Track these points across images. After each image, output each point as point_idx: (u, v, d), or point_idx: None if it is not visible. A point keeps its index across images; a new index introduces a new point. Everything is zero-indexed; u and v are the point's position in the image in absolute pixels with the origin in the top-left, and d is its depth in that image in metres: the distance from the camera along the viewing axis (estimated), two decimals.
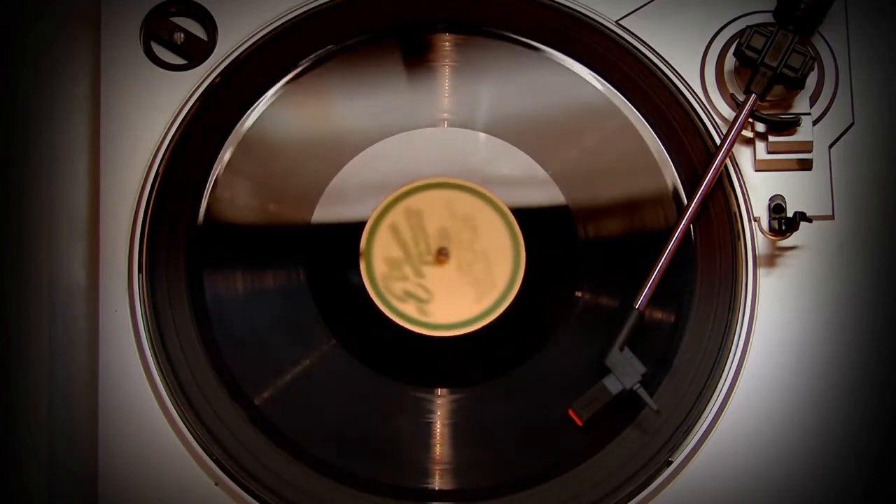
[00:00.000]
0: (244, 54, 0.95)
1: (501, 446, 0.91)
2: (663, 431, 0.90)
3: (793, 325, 0.91)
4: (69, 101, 0.96)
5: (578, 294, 0.92)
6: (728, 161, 0.92)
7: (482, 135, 0.95)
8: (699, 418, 0.90)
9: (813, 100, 0.93)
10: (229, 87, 0.95)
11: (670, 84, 0.95)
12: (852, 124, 0.94)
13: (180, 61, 0.96)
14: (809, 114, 0.92)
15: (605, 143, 0.94)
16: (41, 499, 0.92)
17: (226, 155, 0.94)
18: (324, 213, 0.94)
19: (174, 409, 0.90)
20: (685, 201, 0.92)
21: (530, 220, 0.93)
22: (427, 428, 0.91)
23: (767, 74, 0.90)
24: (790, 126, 0.92)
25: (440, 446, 0.91)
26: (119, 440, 0.90)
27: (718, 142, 0.92)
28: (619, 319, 0.89)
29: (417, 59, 0.96)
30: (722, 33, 0.95)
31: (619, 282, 0.92)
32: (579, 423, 0.89)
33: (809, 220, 0.90)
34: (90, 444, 0.91)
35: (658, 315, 0.91)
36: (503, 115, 0.95)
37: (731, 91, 0.94)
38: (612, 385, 0.88)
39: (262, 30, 0.95)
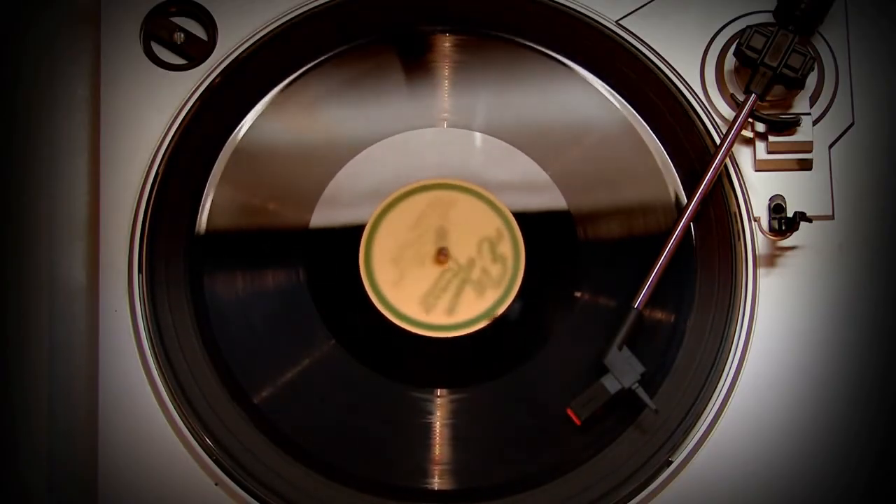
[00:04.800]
0: (244, 54, 0.95)
1: (501, 446, 0.91)
2: (663, 431, 0.90)
3: (793, 325, 0.91)
4: (69, 100, 0.96)
5: (578, 294, 0.92)
6: (728, 161, 0.92)
7: (482, 136, 0.95)
8: (699, 418, 0.90)
9: (813, 100, 0.93)
10: (229, 88, 0.95)
11: (670, 84, 0.95)
12: (852, 124, 0.93)
13: (180, 61, 0.96)
14: (809, 114, 0.92)
15: (604, 144, 0.94)
16: (41, 499, 0.92)
17: (226, 155, 0.94)
18: (323, 213, 0.94)
19: (174, 409, 0.90)
20: (685, 201, 0.92)
21: (530, 220, 0.93)
22: (427, 428, 0.91)
23: (767, 74, 0.90)
24: (790, 126, 0.92)
25: (440, 446, 0.91)
26: (119, 440, 0.90)
27: (718, 142, 0.92)
28: (619, 319, 0.89)
29: (417, 59, 0.96)
30: (722, 33, 0.95)
31: (618, 282, 0.92)
32: (577, 422, 0.89)
33: (809, 220, 0.90)
34: (90, 444, 0.91)
35: (658, 315, 0.91)
36: (503, 115, 0.95)
37: (731, 91, 0.94)
38: (611, 384, 0.88)
39: (262, 30, 0.95)
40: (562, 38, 0.96)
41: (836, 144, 0.93)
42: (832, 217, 0.92)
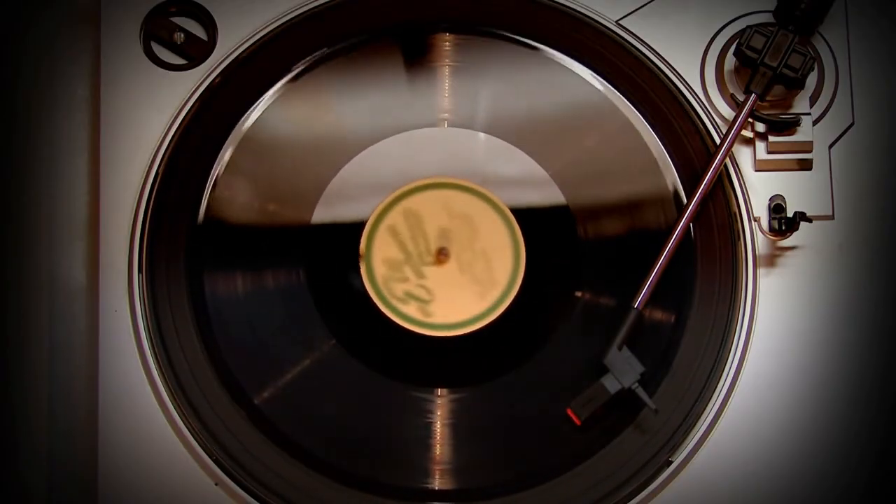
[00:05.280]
0: (244, 54, 0.95)
1: (501, 446, 0.91)
2: (663, 431, 0.90)
3: (793, 326, 0.91)
4: (69, 100, 0.97)
5: (578, 294, 0.92)
6: (728, 161, 0.92)
7: (482, 135, 0.95)
8: (699, 418, 0.90)
9: (813, 100, 0.93)
10: (229, 87, 0.95)
11: (670, 84, 0.95)
12: (852, 124, 0.94)
13: (180, 61, 0.96)
14: (809, 114, 0.92)
15: (605, 143, 0.94)
16: (41, 499, 0.92)
17: (226, 155, 0.94)
18: (324, 212, 0.94)
19: (174, 409, 0.90)
20: (685, 201, 0.92)
21: (530, 219, 0.93)
22: (427, 428, 0.91)
23: (767, 74, 0.90)
24: (790, 126, 0.92)
25: (440, 446, 0.91)
26: (119, 440, 0.90)
27: (718, 142, 0.92)
28: (619, 319, 0.89)
29: (417, 58, 0.96)
30: (722, 33, 0.95)
31: (618, 282, 0.92)
32: (577, 422, 0.89)
33: (809, 220, 0.90)
34: (90, 444, 0.91)
35: (658, 315, 0.91)
36: (503, 115, 0.95)
37: (731, 91, 0.94)
38: (611, 384, 0.88)
39: (262, 30, 0.95)
40: (562, 37, 0.96)
41: (836, 144, 0.93)
42: (832, 217, 0.92)
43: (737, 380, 0.90)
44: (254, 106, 0.95)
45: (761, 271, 0.92)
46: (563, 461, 0.90)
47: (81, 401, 0.93)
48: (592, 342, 0.90)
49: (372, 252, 0.93)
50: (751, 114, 0.91)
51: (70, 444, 0.93)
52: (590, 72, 0.95)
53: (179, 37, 0.96)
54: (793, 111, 0.93)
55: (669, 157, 0.94)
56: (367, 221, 0.93)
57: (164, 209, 0.93)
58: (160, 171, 0.93)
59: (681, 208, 0.92)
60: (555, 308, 0.92)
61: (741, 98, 0.92)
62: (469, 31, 0.96)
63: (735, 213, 0.92)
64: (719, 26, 0.95)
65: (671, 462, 0.89)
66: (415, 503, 0.90)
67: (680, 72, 0.95)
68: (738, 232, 0.92)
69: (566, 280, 0.93)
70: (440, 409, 0.91)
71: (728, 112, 0.94)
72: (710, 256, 0.92)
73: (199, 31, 0.96)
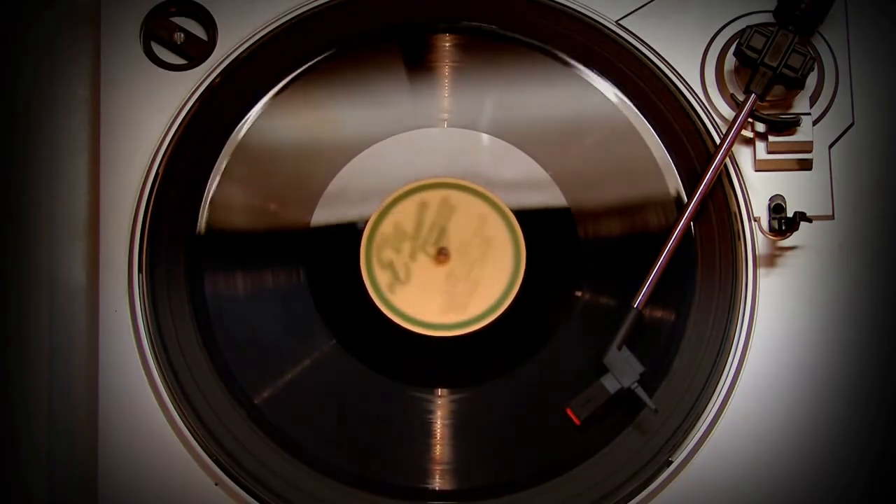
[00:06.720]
0: (244, 54, 0.95)
1: (501, 446, 0.91)
2: (663, 431, 0.90)
3: (793, 325, 0.91)
4: (69, 100, 0.97)
5: (578, 294, 0.92)
6: (728, 161, 0.92)
7: (483, 135, 0.95)
8: (699, 418, 0.90)
9: (813, 100, 0.93)
10: (229, 87, 0.95)
11: (670, 84, 0.95)
12: (852, 124, 0.94)
13: (180, 61, 0.96)
14: (809, 114, 0.92)
15: (605, 143, 0.94)
16: (41, 499, 0.92)
17: (226, 155, 0.94)
18: (324, 213, 0.94)
19: (174, 409, 0.90)
20: (685, 201, 0.92)
21: (531, 220, 0.93)
22: (427, 428, 0.91)
23: (767, 74, 0.90)
24: (790, 126, 0.92)
25: (440, 446, 0.91)
26: (119, 440, 0.90)
27: (718, 142, 0.92)
28: (619, 319, 0.89)
29: (418, 59, 0.96)
30: (722, 33, 0.95)
31: (619, 282, 0.92)
32: (577, 421, 0.89)
33: (809, 220, 0.90)
34: (90, 444, 0.91)
35: (658, 315, 0.91)
36: (504, 115, 0.95)
37: (731, 91, 0.94)
38: (610, 384, 0.88)
39: (262, 30, 0.95)
40: (562, 38, 0.96)
41: (836, 144, 0.93)
42: (832, 217, 0.92)
43: (737, 380, 0.90)
44: (254, 106, 0.95)
45: (761, 271, 0.92)
46: (563, 461, 0.90)
47: (81, 401, 0.93)
48: (592, 342, 0.90)
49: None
50: (751, 114, 0.91)
51: (70, 444, 0.93)
52: (589, 72, 0.95)
53: (179, 37, 0.96)
54: (793, 111, 0.93)
55: (669, 157, 0.94)
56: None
57: (165, 209, 0.93)
58: (160, 171, 0.94)
59: (681, 208, 0.92)
60: (555, 308, 0.92)
61: (741, 98, 0.92)
62: (469, 31, 0.96)
63: (735, 213, 0.92)
64: (719, 26, 0.95)
65: (671, 462, 0.89)
66: (415, 503, 0.90)
67: (680, 72, 0.95)
68: (738, 232, 0.92)
69: (566, 280, 0.93)
70: (440, 409, 0.91)
71: (728, 112, 0.94)
72: (710, 256, 0.92)
73: (199, 31, 0.96)
